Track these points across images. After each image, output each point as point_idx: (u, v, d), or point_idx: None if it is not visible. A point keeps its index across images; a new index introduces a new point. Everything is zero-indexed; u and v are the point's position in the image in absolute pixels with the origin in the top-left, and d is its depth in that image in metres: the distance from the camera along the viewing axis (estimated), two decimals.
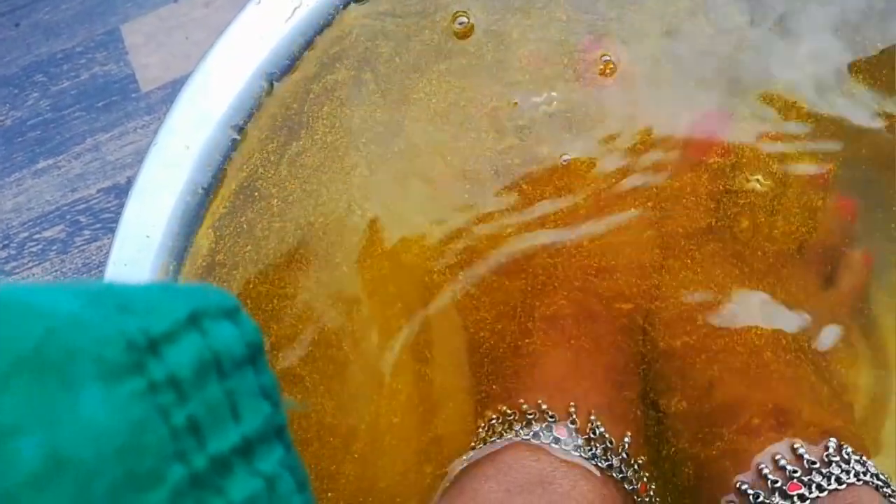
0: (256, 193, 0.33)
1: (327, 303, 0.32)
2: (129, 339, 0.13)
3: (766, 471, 0.28)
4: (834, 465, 0.27)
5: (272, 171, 0.33)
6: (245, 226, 0.32)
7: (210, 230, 0.32)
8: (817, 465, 0.27)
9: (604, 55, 0.34)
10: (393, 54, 0.33)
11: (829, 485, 0.26)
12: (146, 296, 0.14)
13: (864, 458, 0.28)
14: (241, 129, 0.32)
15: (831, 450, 0.27)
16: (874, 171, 0.33)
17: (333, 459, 0.31)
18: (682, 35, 0.34)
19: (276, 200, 0.33)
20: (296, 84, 0.33)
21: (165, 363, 0.14)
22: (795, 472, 0.27)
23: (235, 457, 0.15)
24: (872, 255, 0.33)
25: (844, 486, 0.26)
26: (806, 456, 0.27)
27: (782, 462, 0.27)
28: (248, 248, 0.32)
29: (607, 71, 0.33)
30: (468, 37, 0.33)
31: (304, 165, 0.33)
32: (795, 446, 0.28)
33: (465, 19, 0.33)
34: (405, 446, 0.32)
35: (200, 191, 0.32)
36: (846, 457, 0.27)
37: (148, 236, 0.31)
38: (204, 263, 0.32)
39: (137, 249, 0.31)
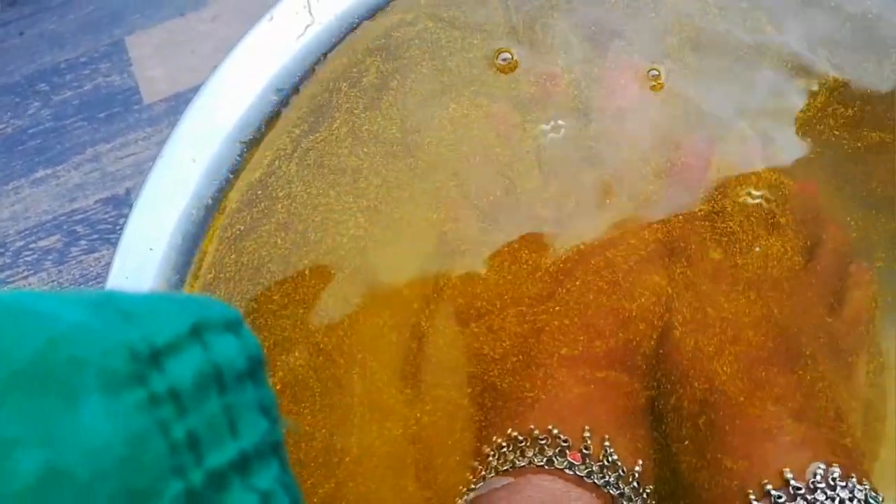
0: (261, 192, 0.32)
1: (322, 320, 0.32)
2: (132, 350, 0.13)
3: (751, 496, 0.28)
4: (819, 491, 0.27)
5: (284, 167, 0.32)
6: (250, 228, 0.32)
7: (217, 232, 0.32)
8: (802, 492, 0.27)
9: (651, 70, 0.34)
10: (430, 74, 0.33)
11: None
12: (149, 305, 0.14)
13: (856, 482, 0.28)
14: (250, 142, 0.32)
15: (818, 477, 0.28)
16: (875, 183, 0.33)
17: (317, 485, 0.31)
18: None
19: (280, 205, 0.32)
20: (342, 65, 0.33)
21: (167, 375, 0.13)
22: (780, 497, 0.27)
23: (232, 472, 0.15)
24: (873, 268, 0.33)
25: None
26: (792, 482, 0.28)
27: (768, 487, 0.28)
28: (248, 255, 0.32)
29: (653, 87, 0.33)
30: (510, 72, 0.33)
31: (311, 164, 0.33)
32: (784, 471, 0.28)
33: (508, 55, 0.33)
34: (401, 473, 0.31)
35: (209, 202, 0.32)
36: (832, 483, 0.27)
37: (151, 249, 0.31)
38: (210, 274, 0.31)
39: (140, 262, 0.31)
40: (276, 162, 0.33)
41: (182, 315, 0.14)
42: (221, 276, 0.32)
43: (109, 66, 0.52)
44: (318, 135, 0.33)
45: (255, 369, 0.16)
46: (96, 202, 0.50)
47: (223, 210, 0.32)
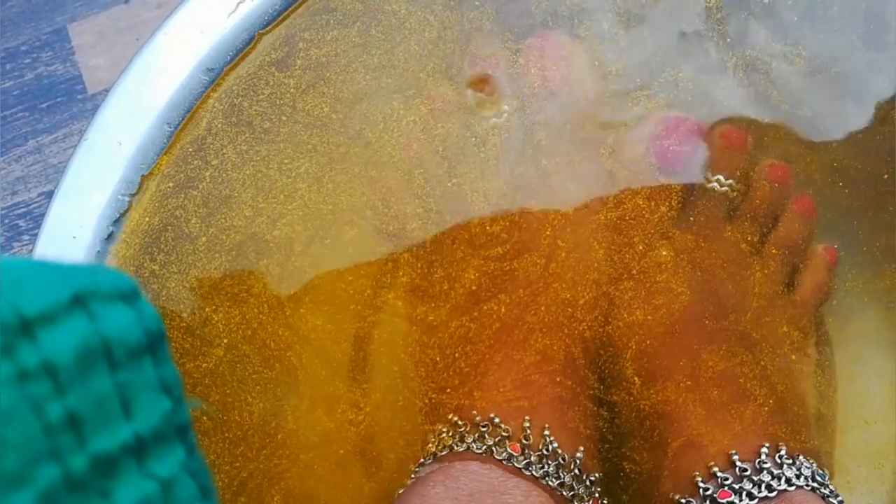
0: (193, 151, 0.31)
1: (261, 306, 0.31)
2: None
3: (698, 479, 0.27)
4: (765, 472, 0.27)
5: (225, 126, 0.31)
6: (178, 188, 0.30)
7: (140, 213, 0.30)
8: (748, 473, 0.27)
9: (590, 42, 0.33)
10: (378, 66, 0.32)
11: (759, 492, 0.26)
12: (23, 272, 0.13)
13: (803, 461, 0.27)
14: (176, 125, 0.31)
15: (763, 456, 0.27)
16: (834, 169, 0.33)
17: (256, 473, 0.30)
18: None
19: (209, 173, 0.31)
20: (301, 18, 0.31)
21: (40, 348, 0.12)
22: (727, 479, 0.27)
23: (125, 457, 0.13)
24: (835, 250, 0.32)
25: (775, 493, 0.26)
26: (738, 463, 0.27)
27: (715, 469, 0.27)
28: (163, 219, 0.30)
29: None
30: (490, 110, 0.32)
31: (243, 131, 0.31)
32: (730, 453, 0.27)
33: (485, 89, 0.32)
34: (343, 460, 0.30)
35: (136, 186, 0.30)
36: (778, 462, 0.27)
37: (74, 237, 0.30)
38: (127, 250, 0.30)
39: (63, 251, 0.30)
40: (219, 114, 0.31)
41: (62, 283, 0.13)
42: (141, 246, 0.30)
43: (51, 55, 0.50)
44: (255, 100, 0.31)
45: (154, 344, 0.14)
46: (39, 195, 0.48)
47: (148, 193, 0.30)
